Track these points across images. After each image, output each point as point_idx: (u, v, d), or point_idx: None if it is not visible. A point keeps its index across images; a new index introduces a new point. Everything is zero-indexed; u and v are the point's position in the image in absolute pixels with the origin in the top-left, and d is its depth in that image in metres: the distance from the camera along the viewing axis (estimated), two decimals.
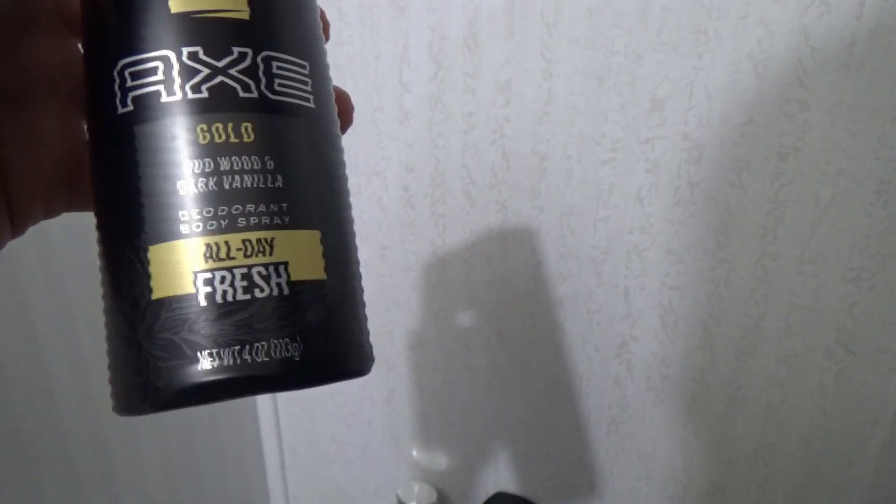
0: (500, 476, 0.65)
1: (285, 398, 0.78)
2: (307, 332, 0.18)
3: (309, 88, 0.19)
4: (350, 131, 0.59)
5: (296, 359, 0.17)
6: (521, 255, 0.55)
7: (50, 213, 0.22)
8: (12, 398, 0.48)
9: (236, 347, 0.17)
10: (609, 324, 0.53)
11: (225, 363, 0.17)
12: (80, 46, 0.20)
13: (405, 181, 0.58)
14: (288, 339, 0.17)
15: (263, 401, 0.78)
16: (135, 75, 0.18)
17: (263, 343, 0.17)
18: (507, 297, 0.57)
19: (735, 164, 0.44)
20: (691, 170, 0.46)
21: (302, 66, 0.19)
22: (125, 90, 0.18)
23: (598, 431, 0.57)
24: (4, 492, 0.48)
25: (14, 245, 0.23)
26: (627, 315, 0.52)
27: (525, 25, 0.48)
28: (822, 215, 0.43)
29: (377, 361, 0.67)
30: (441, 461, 0.68)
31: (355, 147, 0.59)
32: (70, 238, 0.49)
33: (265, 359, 0.17)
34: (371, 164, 0.59)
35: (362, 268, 0.64)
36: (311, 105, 0.19)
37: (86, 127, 0.21)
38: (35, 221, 0.22)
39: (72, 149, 0.22)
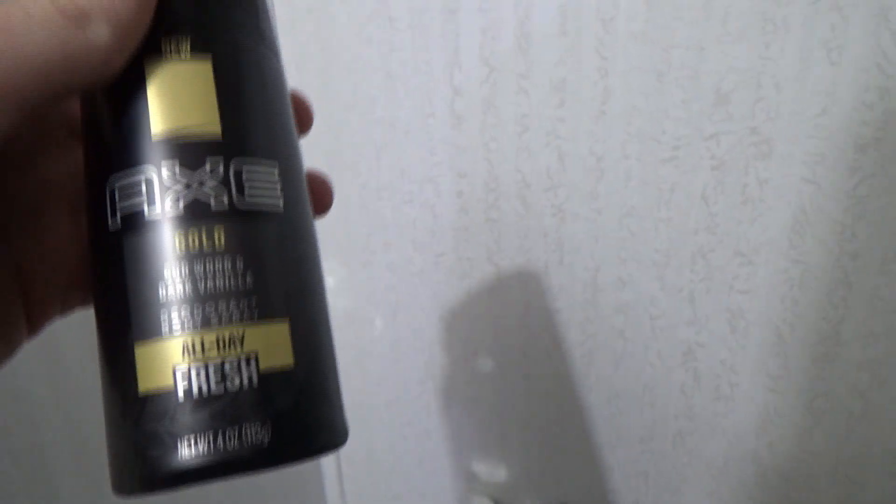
0: (561, 488, 0.62)
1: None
2: (276, 418, 0.19)
3: (277, 191, 0.21)
4: (402, 138, 0.58)
5: (265, 444, 0.19)
6: (578, 260, 0.53)
7: (65, 311, 0.24)
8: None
9: (210, 436, 0.18)
10: (673, 330, 0.50)
11: (201, 450, 0.18)
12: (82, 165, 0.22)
13: (458, 186, 0.57)
14: (259, 425, 0.19)
15: None
16: (123, 194, 0.20)
17: (235, 429, 0.18)
18: (564, 304, 0.55)
19: (809, 159, 0.41)
20: (760, 166, 0.43)
21: (271, 169, 0.21)
22: (115, 209, 0.20)
23: (663, 443, 0.54)
24: None
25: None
26: (693, 320, 0.49)
27: (579, 22, 0.47)
28: None
29: (432, 370, 0.66)
30: (500, 473, 0.66)
31: (407, 154, 0.58)
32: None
33: (237, 445, 0.18)
34: (424, 171, 0.58)
35: (419, 275, 0.64)
36: (280, 207, 0.21)
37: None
38: (51, 321, 0.23)
39: (83, 251, 0.23)
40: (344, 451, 0.79)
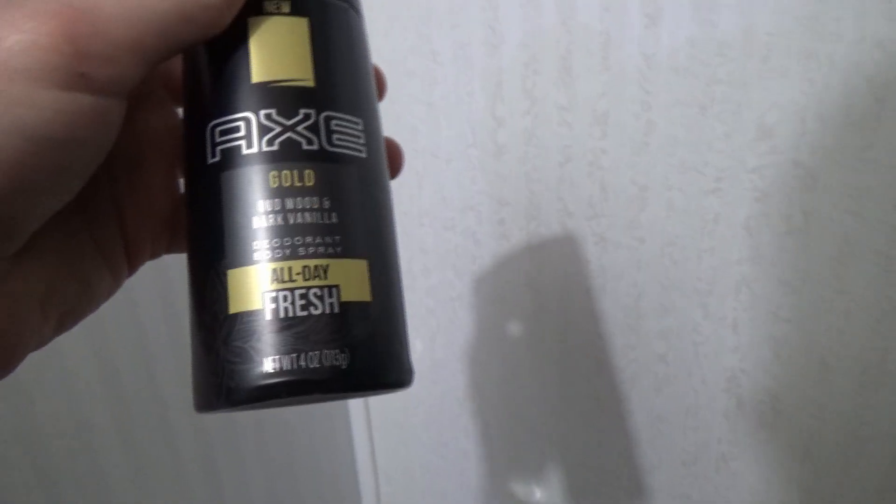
0: None
1: (380, 424, 0.79)
2: (354, 346, 0.20)
3: (362, 141, 0.23)
4: (443, 166, 0.60)
5: (343, 367, 0.20)
6: (620, 287, 0.54)
7: (154, 255, 0.26)
8: (126, 399, 0.50)
9: (294, 355, 0.20)
10: (717, 357, 0.51)
11: (284, 367, 0.20)
12: (181, 112, 0.24)
13: (500, 214, 0.58)
14: (337, 350, 0.20)
15: (358, 427, 0.80)
16: (222, 133, 0.21)
17: (316, 352, 0.20)
18: (606, 329, 0.56)
19: (854, 192, 0.42)
20: (805, 198, 0.44)
21: (356, 123, 0.23)
22: (214, 145, 0.21)
23: (706, 467, 0.55)
24: (119, 491, 0.51)
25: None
26: (737, 348, 0.50)
27: (621, 57, 0.48)
28: None
29: (471, 392, 0.67)
30: (538, 494, 0.67)
31: (449, 182, 0.60)
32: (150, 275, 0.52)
33: (317, 366, 0.20)
34: (465, 199, 0.59)
35: (459, 300, 0.65)
36: (363, 155, 0.23)
37: (182, 178, 0.25)
38: (143, 263, 0.26)
39: (172, 201, 0.26)
40: (382, 469, 0.80)
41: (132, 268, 0.25)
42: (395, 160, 0.27)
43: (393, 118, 0.60)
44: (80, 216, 0.22)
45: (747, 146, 0.45)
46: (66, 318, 0.22)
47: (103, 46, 0.18)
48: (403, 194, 0.63)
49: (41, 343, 0.21)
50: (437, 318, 0.66)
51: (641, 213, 0.51)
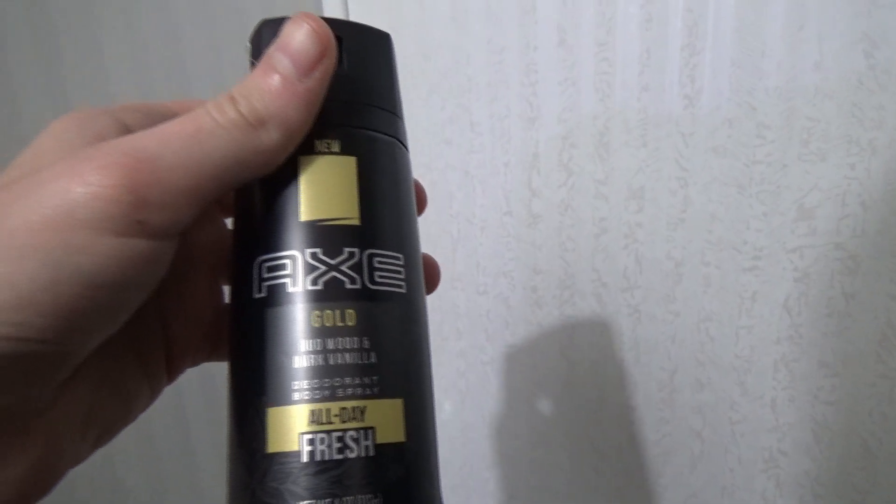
0: None
1: None
2: (387, 490, 0.20)
3: (402, 276, 0.23)
4: (478, 232, 0.60)
5: None
6: (654, 360, 0.54)
7: (195, 362, 0.26)
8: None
9: (328, 500, 0.20)
10: (755, 436, 0.50)
11: None
12: (231, 241, 0.25)
13: (533, 282, 0.58)
14: (370, 496, 0.20)
15: None
16: (269, 269, 0.22)
17: (350, 497, 0.20)
18: (639, 402, 0.55)
19: None
20: (846, 280, 0.44)
21: (398, 259, 0.23)
22: (261, 280, 0.22)
23: None
24: None
25: None
26: (775, 428, 0.49)
27: (659, 135, 0.48)
28: None
29: (500, 458, 0.66)
30: None
31: (483, 247, 0.60)
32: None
33: None
34: (499, 265, 0.60)
35: (490, 364, 0.65)
36: (403, 290, 0.23)
37: (227, 300, 0.25)
38: (183, 371, 0.26)
39: (216, 311, 0.26)
40: None
41: (171, 378, 0.26)
42: (432, 279, 0.28)
43: (429, 184, 0.61)
44: (125, 335, 0.23)
45: (787, 226, 0.45)
46: (104, 435, 0.22)
47: (161, 194, 0.18)
48: (438, 257, 0.63)
49: (78, 462, 0.21)
50: (467, 380, 0.66)
51: (677, 287, 0.51)
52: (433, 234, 0.63)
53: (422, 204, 0.28)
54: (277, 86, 0.20)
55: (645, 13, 0.47)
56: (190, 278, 0.25)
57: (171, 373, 0.25)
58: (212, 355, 0.27)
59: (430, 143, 0.60)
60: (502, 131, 0.56)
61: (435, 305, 0.66)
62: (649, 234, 0.51)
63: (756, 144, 0.45)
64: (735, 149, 0.46)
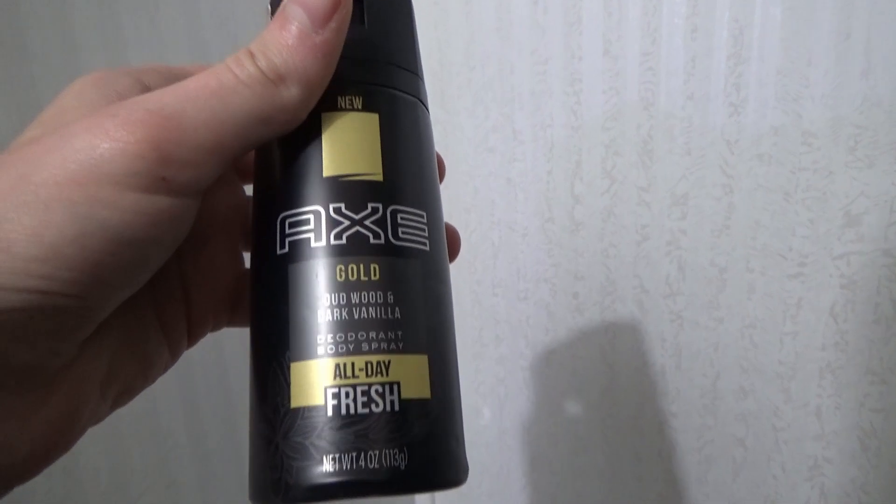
0: None
1: (444, 492, 0.78)
2: (412, 445, 0.20)
3: (425, 234, 0.23)
4: (519, 239, 0.61)
5: (402, 468, 0.20)
6: (697, 366, 0.54)
7: (215, 328, 0.27)
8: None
9: (354, 454, 0.19)
10: (799, 443, 0.50)
11: (344, 467, 0.19)
12: (250, 191, 0.25)
13: (574, 288, 0.59)
14: (396, 450, 0.20)
15: (422, 495, 0.79)
16: (292, 225, 0.22)
17: (376, 451, 0.19)
18: (681, 408, 0.56)
19: None
20: (894, 287, 0.44)
21: (421, 216, 0.23)
22: (284, 236, 0.22)
23: None
24: None
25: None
26: (820, 435, 0.49)
27: (703, 143, 0.49)
28: None
29: (538, 464, 0.67)
30: None
31: (524, 254, 0.61)
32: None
33: (377, 466, 0.19)
34: (539, 272, 0.61)
35: (526, 370, 0.65)
36: (426, 248, 0.23)
37: (248, 262, 0.25)
38: (203, 336, 0.26)
39: (236, 277, 0.26)
40: None
41: (191, 342, 0.26)
42: (453, 246, 0.28)
43: (471, 191, 0.62)
44: (147, 296, 0.23)
45: (833, 233, 0.45)
46: (123, 396, 0.23)
47: (185, 151, 0.18)
48: (478, 264, 0.64)
49: (97, 421, 0.22)
50: (506, 386, 0.67)
51: (720, 294, 0.51)
52: (474, 241, 0.64)
53: (441, 172, 0.28)
54: (294, 39, 0.20)
55: (690, 24, 0.48)
56: (210, 243, 0.25)
57: (192, 337, 0.26)
58: (232, 320, 0.27)
59: (473, 152, 0.62)
60: (545, 140, 0.57)
61: (475, 312, 0.67)
62: (693, 241, 0.51)
63: (802, 152, 0.45)
64: (781, 156, 0.46)
